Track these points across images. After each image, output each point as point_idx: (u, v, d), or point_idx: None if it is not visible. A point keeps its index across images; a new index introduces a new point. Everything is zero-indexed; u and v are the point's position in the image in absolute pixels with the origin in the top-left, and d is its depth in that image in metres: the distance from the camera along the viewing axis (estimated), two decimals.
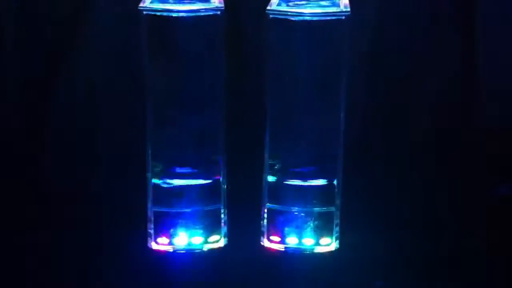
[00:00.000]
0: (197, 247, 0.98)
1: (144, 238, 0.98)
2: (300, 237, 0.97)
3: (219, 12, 0.91)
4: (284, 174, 0.96)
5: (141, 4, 0.91)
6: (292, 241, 0.98)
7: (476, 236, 1.01)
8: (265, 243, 0.98)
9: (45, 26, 1.12)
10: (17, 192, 1.09)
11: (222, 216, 0.98)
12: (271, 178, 0.96)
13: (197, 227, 0.97)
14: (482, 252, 0.98)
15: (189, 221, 0.97)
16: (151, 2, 0.92)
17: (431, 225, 1.03)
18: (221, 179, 0.97)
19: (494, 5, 1.13)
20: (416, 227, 1.03)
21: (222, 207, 0.97)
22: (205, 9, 0.91)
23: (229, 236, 0.99)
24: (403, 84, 1.14)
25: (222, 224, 0.98)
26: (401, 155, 1.13)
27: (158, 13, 0.90)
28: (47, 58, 1.12)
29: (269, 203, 0.97)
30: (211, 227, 0.98)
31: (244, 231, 1.00)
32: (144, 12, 0.91)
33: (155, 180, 0.96)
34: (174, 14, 0.90)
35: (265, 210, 0.98)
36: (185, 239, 0.97)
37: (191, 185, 0.96)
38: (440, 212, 1.06)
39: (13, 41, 1.12)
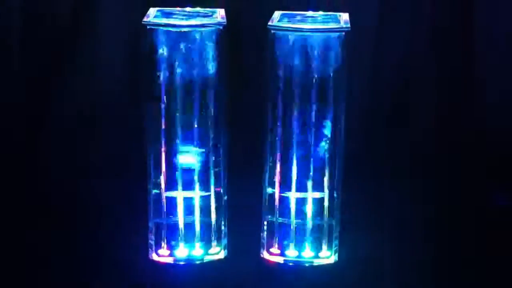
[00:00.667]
0: (197, 259, 0.98)
1: (145, 249, 0.98)
2: (299, 250, 0.98)
3: (221, 27, 0.92)
4: (283, 186, 0.97)
5: (145, 19, 0.92)
6: (291, 253, 0.98)
7: (476, 242, 1.02)
8: (265, 255, 0.99)
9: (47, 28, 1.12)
10: (13, 200, 1.09)
11: (223, 228, 0.98)
12: (270, 191, 0.97)
13: (198, 238, 0.98)
14: (482, 258, 0.99)
15: (190, 232, 0.98)
16: (155, 17, 0.93)
17: (432, 237, 1.04)
18: (222, 190, 0.97)
19: (490, 12, 1.14)
20: (417, 240, 1.03)
21: (222, 219, 0.98)
22: (208, 24, 0.92)
23: (229, 248, 0.99)
24: (403, 94, 1.15)
25: (222, 235, 0.99)
26: (401, 166, 1.14)
27: (162, 28, 0.91)
28: (49, 61, 1.13)
29: (269, 216, 0.98)
30: (212, 239, 0.98)
31: (244, 243, 1.00)
32: (148, 27, 0.92)
33: (156, 191, 0.97)
34: (177, 29, 0.92)
35: (265, 223, 0.98)
36: (185, 250, 0.98)
37: (192, 197, 0.97)
38: (442, 222, 1.07)
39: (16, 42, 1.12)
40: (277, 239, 0.98)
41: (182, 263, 0.98)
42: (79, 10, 1.13)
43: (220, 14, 0.95)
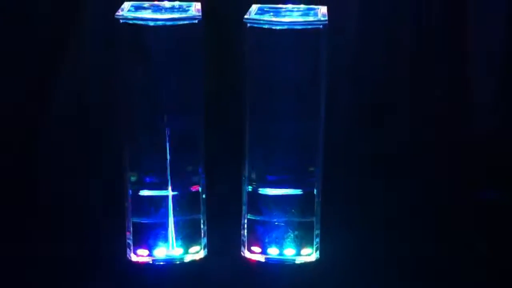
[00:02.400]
0: (177, 258, 0.97)
1: (123, 249, 0.97)
2: (281, 248, 0.97)
3: (196, 21, 0.91)
4: (263, 184, 0.96)
5: (118, 13, 0.91)
6: (273, 251, 0.97)
7: (465, 241, 1.01)
8: (246, 253, 0.98)
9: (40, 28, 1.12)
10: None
11: (202, 226, 0.97)
12: (250, 188, 0.96)
13: (177, 237, 0.97)
14: (470, 256, 0.98)
15: (169, 232, 0.96)
16: (128, 11, 0.92)
17: (415, 234, 1.03)
18: (200, 189, 0.96)
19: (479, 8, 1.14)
20: (400, 237, 1.02)
21: (201, 217, 0.97)
22: (183, 18, 0.91)
23: (209, 246, 0.98)
24: (390, 89, 1.14)
25: (202, 234, 0.97)
26: (386, 162, 1.13)
27: (135, 22, 0.90)
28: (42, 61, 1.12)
29: (250, 214, 0.97)
30: (191, 238, 0.97)
31: (224, 242, 0.99)
32: (121, 21, 0.90)
33: (133, 190, 0.95)
34: (152, 23, 0.90)
35: (246, 221, 0.97)
36: (164, 250, 0.97)
37: (170, 195, 0.95)
38: (427, 220, 1.06)
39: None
40: (257, 237, 0.97)
41: (161, 262, 0.97)
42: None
43: (196, 7, 0.93)
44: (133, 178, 0.95)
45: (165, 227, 0.96)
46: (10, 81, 1.13)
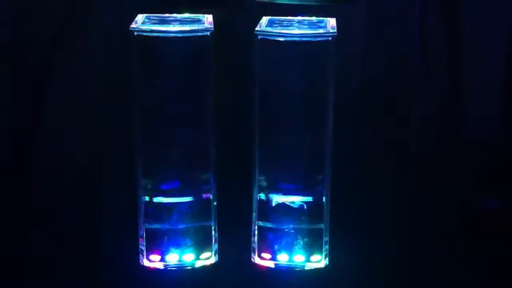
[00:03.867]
0: (188, 264, 0.98)
1: (136, 255, 0.99)
2: (290, 254, 0.98)
3: (208, 33, 0.93)
4: (273, 191, 0.97)
5: (132, 25, 0.93)
6: (282, 258, 0.98)
7: (464, 245, 1.02)
8: (256, 260, 0.99)
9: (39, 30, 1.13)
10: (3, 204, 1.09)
11: (213, 233, 0.99)
12: (261, 196, 0.98)
13: (188, 244, 0.98)
14: (470, 260, 0.99)
15: (181, 238, 0.98)
16: (142, 23, 0.94)
17: (421, 241, 1.04)
18: (211, 196, 0.98)
19: (479, 12, 1.15)
20: (408, 244, 1.03)
21: (212, 224, 0.98)
22: (195, 30, 0.93)
23: (220, 253, 0.99)
24: (390, 98, 1.16)
25: (213, 241, 0.99)
26: (389, 169, 1.14)
27: (149, 34, 0.92)
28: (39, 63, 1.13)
29: (260, 221, 0.98)
30: (202, 244, 0.99)
31: (235, 248, 1.00)
32: (136, 33, 0.92)
33: (146, 198, 0.97)
34: (165, 35, 0.92)
35: (256, 228, 0.99)
36: (176, 256, 0.98)
37: (181, 202, 0.97)
38: (433, 225, 1.07)
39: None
40: (267, 244, 0.98)
41: (173, 268, 0.98)
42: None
43: (208, 20, 0.95)
44: (146, 186, 0.96)
45: (177, 233, 0.98)
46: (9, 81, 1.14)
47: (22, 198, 1.10)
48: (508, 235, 1.03)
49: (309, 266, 0.98)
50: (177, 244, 0.98)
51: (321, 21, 0.96)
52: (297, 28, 0.94)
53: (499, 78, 1.16)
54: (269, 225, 0.98)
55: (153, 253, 0.98)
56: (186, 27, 0.93)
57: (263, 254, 0.99)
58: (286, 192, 0.97)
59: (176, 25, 0.93)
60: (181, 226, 0.98)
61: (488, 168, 1.13)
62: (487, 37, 1.14)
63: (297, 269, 0.98)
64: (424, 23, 1.14)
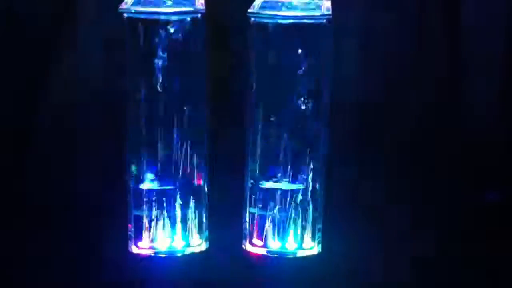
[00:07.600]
0: (178, 251, 0.97)
1: (124, 241, 0.97)
2: (282, 241, 0.97)
3: (199, 15, 0.91)
4: (266, 177, 0.96)
5: (121, 6, 0.91)
6: (274, 245, 0.97)
7: (463, 242, 1.01)
8: (247, 247, 0.98)
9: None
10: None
11: (204, 220, 0.97)
12: (253, 182, 0.96)
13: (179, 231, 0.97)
14: (469, 257, 0.98)
15: (171, 224, 0.97)
16: (132, 4, 0.92)
17: (416, 228, 1.03)
18: (203, 182, 0.96)
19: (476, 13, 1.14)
20: (401, 230, 1.03)
21: (204, 210, 0.97)
22: (186, 11, 0.91)
23: (210, 239, 0.98)
24: (388, 91, 1.15)
25: (204, 227, 0.98)
26: (387, 159, 1.14)
27: (139, 15, 0.90)
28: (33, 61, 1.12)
29: (251, 207, 0.97)
30: (193, 231, 0.97)
31: (226, 235, 1.00)
32: (125, 15, 0.90)
33: (135, 184, 0.95)
34: (155, 16, 0.90)
35: (247, 214, 0.97)
36: (166, 242, 0.97)
37: (172, 189, 0.96)
38: (426, 216, 1.06)
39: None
40: (259, 230, 0.97)
41: (162, 255, 0.97)
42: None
43: (199, 1, 0.93)
44: (134, 171, 0.95)
45: (167, 220, 0.96)
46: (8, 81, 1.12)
47: (20, 195, 1.09)
48: (508, 234, 1.03)
49: (301, 253, 0.97)
50: (167, 231, 0.97)
51: (316, 4, 0.94)
52: (291, 10, 0.92)
53: (499, 78, 1.15)
54: (261, 211, 0.97)
55: (141, 240, 0.96)
56: (177, 8, 0.91)
57: (254, 241, 0.98)
58: (279, 178, 0.96)
59: (167, 6, 0.91)
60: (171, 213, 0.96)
61: (488, 168, 1.13)
62: (487, 37, 1.14)
63: (289, 256, 0.97)
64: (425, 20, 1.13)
